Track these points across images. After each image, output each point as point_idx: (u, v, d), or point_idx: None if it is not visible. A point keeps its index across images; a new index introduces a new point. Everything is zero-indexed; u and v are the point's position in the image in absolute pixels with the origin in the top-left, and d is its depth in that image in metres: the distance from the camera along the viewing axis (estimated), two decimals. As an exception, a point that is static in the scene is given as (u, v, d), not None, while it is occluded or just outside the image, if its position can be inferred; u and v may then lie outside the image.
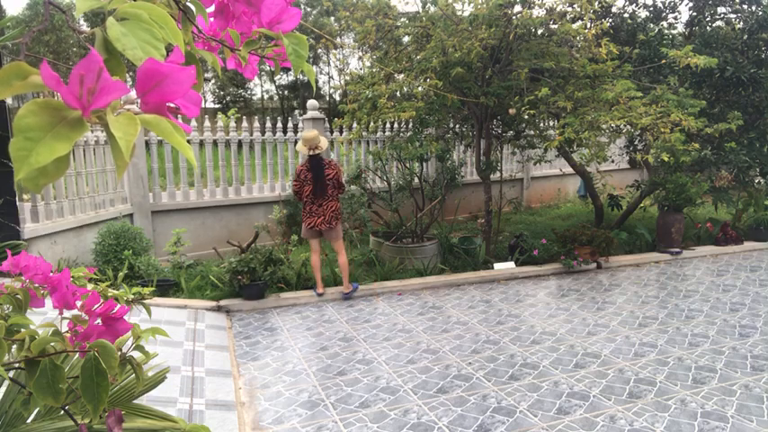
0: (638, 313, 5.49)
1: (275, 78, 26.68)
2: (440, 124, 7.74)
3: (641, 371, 4.16)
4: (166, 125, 0.60)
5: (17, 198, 5.48)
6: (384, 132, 9.22)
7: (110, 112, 0.57)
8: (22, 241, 5.26)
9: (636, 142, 9.15)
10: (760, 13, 7.90)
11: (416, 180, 7.97)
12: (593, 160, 6.54)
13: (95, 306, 1.00)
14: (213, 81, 25.68)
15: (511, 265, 7.06)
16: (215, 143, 7.93)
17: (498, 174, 7.87)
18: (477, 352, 4.57)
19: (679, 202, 7.83)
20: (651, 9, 8.51)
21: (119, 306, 1.01)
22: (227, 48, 0.91)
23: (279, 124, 8.58)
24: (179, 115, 0.68)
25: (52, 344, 0.93)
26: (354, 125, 7.33)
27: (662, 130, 5.68)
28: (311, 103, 8.72)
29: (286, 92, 28.21)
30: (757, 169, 8.33)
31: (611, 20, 8.09)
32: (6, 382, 1.39)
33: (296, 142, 8.43)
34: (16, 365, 0.98)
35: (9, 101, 5.48)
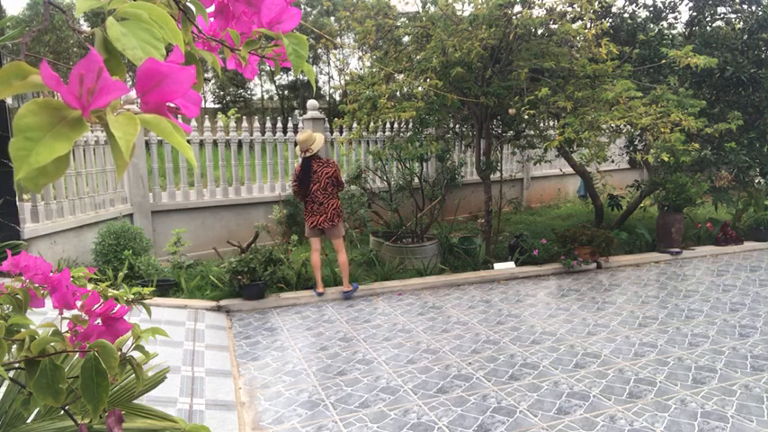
0: (638, 313, 5.49)
1: (275, 78, 26.68)
2: (440, 124, 7.74)
3: (641, 371, 4.16)
4: (166, 125, 0.60)
5: (17, 198, 5.48)
6: (384, 132, 9.22)
7: (110, 112, 0.57)
8: (22, 241, 5.26)
9: (636, 142, 9.15)
10: (760, 13, 7.89)
11: (416, 180, 7.97)
12: (593, 160, 6.54)
13: (95, 306, 1.00)
14: (213, 81, 25.69)
15: (511, 265, 7.06)
16: (215, 143, 7.94)
17: (498, 174, 7.87)
18: (477, 352, 4.57)
19: (679, 202, 7.83)
20: (651, 9, 8.51)
21: (119, 306, 1.01)
22: (227, 48, 0.91)
23: (279, 124, 8.58)
24: (179, 115, 0.68)
25: (52, 344, 0.93)
26: (354, 125, 7.33)
27: (662, 130, 5.68)
28: (311, 103, 8.72)
29: (286, 92, 28.21)
30: (757, 169, 8.33)
31: (611, 20, 8.09)
32: (6, 382, 1.39)
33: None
34: (16, 365, 0.98)
35: (9, 101, 5.48)
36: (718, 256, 7.92)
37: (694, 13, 8.53)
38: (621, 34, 8.00)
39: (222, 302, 5.76)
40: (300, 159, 5.99)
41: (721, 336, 4.85)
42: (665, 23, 8.55)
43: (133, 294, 1.52)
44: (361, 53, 7.74)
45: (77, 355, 1.08)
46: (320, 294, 6.05)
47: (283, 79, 27.00)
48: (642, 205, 8.89)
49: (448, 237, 7.71)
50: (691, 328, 5.04)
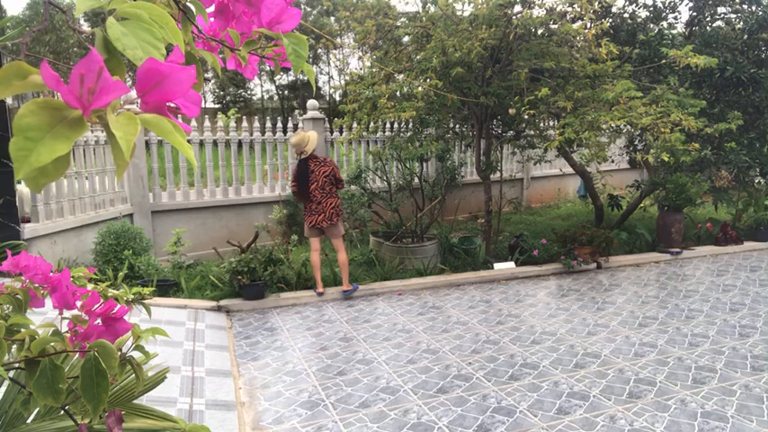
0: (638, 313, 5.49)
1: (275, 78, 26.68)
2: (440, 124, 7.74)
3: (641, 371, 4.16)
4: (166, 125, 0.60)
5: (17, 198, 5.48)
6: (384, 132, 9.22)
7: (110, 112, 0.57)
8: (22, 241, 5.26)
9: (636, 142, 9.15)
10: (760, 13, 7.89)
11: (416, 180, 7.97)
12: (593, 160, 6.54)
13: (95, 306, 1.00)
14: (213, 81, 25.68)
15: (511, 265, 7.06)
16: (215, 143, 7.94)
17: (498, 174, 7.87)
18: (477, 352, 4.57)
19: (679, 202, 7.83)
20: (651, 9, 8.51)
21: (119, 306, 1.01)
22: (227, 48, 0.91)
23: (279, 124, 8.58)
24: (179, 115, 0.68)
25: (52, 344, 0.93)
26: (354, 125, 7.33)
27: (662, 130, 5.68)
28: (311, 103, 8.72)
29: (286, 92, 28.21)
30: (757, 169, 8.33)
31: (611, 20, 8.09)
32: (6, 382, 1.39)
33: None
34: (16, 365, 0.98)
35: (9, 101, 5.48)
36: (718, 256, 7.92)
37: (694, 13, 8.53)
38: (621, 34, 8.00)
39: (222, 302, 5.76)
40: (297, 161, 6.01)
41: (721, 336, 4.85)
42: (665, 23, 8.55)
43: (133, 294, 1.52)
44: (361, 53, 7.74)
45: (77, 355, 1.08)
46: (320, 294, 6.05)
47: (283, 79, 27.01)
48: (642, 205, 8.89)
49: (448, 237, 7.71)
50: (691, 328, 5.04)
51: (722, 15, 8.56)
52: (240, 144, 8.26)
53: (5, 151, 4.32)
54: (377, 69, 7.15)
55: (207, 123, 7.94)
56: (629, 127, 6.56)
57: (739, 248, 8.15)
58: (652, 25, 8.32)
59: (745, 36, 8.01)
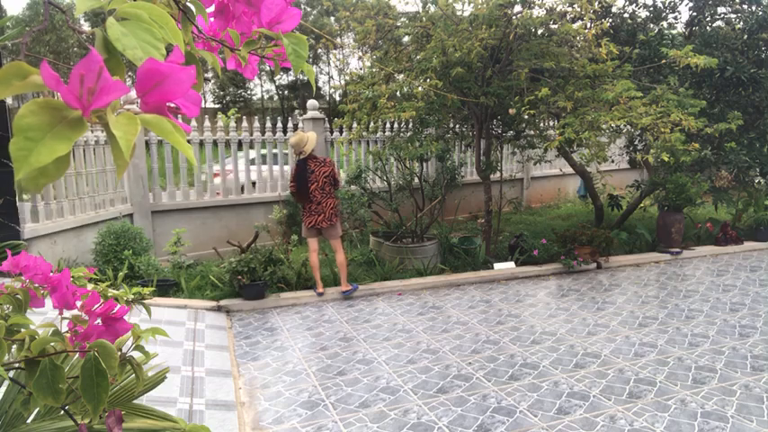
0: (638, 313, 5.49)
1: (275, 78, 26.68)
2: (440, 124, 7.74)
3: (641, 371, 4.16)
4: (166, 125, 0.60)
5: (17, 198, 5.48)
6: (384, 132, 9.22)
7: (110, 112, 0.57)
8: (22, 241, 5.26)
9: (636, 142, 9.15)
10: (760, 13, 7.89)
11: (416, 180, 7.97)
12: (594, 160, 6.54)
13: (95, 306, 1.00)
14: (213, 81, 25.69)
15: (511, 265, 7.06)
16: (215, 143, 7.93)
17: (498, 174, 7.87)
18: (477, 352, 4.57)
19: (679, 202, 7.83)
20: (651, 9, 8.51)
21: (119, 306, 1.01)
22: (227, 48, 0.91)
23: (279, 124, 8.58)
24: (179, 115, 0.68)
25: (52, 344, 0.93)
26: (354, 125, 7.33)
27: (662, 130, 5.68)
28: (311, 103, 8.72)
29: (286, 92, 28.22)
30: (757, 169, 8.33)
31: (611, 20, 8.09)
32: (6, 382, 1.39)
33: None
34: (16, 365, 0.98)
35: (9, 101, 5.48)
36: (718, 256, 7.91)
37: (694, 13, 8.53)
38: (621, 34, 8.00)
39: (222, 302, 5.76)
40: (296, 161, 6.00)
41: (721, 336, 4.85)
42: (665, 23, 8.55)
43: (133, 294, 1.52)
44: (361, 53, 7.74)
45: (77, 355, 1.08)
46: (320, 294, 6.05)
47: (283, 79, 27.01)
48: (642, 205, 8.89)
49: (448, 237, 7.71)
50: (691, 328, 5.04)
51: (722, 15, 8.56)
52: (240, 144, 8.26)
53: (5, 151, 4.32)
54: (377, 69, 7.15)
55: (207, 123, 7.94)
56: (629, 127, 6.56)
57: (739, 248, 8.15)
58: (652, 25, 8.32)
59: (745, 36, 8.01)
